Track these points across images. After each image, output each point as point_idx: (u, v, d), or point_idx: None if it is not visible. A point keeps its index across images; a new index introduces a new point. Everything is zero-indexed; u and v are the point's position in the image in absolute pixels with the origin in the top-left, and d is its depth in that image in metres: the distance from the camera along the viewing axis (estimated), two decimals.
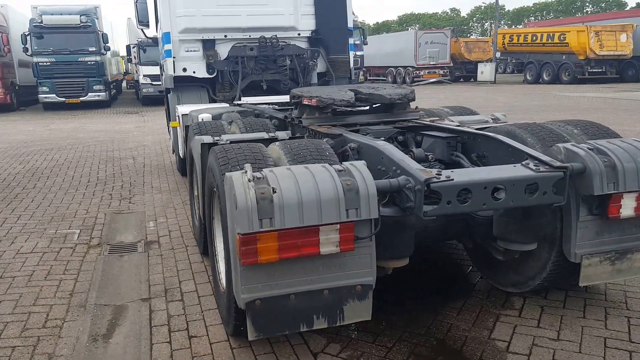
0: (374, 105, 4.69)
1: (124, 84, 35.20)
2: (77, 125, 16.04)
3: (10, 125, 16.30)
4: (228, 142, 3.82)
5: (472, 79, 35.24)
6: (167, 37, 7.20)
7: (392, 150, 3.22)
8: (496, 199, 2.87)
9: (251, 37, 7.35)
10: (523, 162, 3.07)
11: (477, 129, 3.94)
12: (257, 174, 2.68)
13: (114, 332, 3.43)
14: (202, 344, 3.28)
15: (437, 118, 4.52)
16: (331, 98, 4.27)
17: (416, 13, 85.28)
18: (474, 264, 4.30)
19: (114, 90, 27.53)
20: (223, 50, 7.38)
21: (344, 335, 3.35)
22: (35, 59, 20.15)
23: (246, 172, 2.68)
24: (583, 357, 3.07)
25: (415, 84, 25.95)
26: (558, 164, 2.99)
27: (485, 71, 33.39)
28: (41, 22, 19.91)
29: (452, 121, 4.44)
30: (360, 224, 2.72)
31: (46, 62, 20.25)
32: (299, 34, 7.58)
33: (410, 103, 4.73)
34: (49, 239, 5.19)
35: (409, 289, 4.04)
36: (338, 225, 2.63)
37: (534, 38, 30.74)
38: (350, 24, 7.88)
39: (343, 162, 2.91)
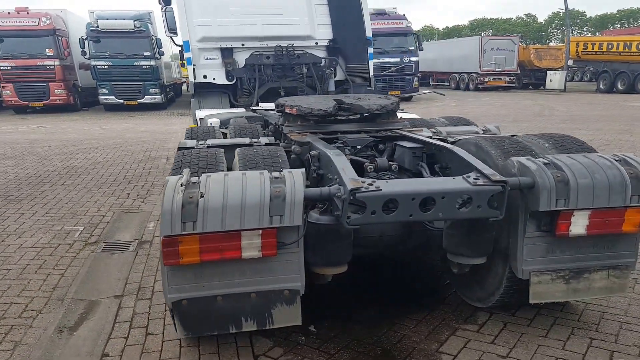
0: (364, 115, 4.72)
1: (184, 87, 36.60)
2: (130, 125, 16.81)
3: (69, 124, 17.28)
4: (206, 146, 3.97)
5: (541, 87, 34.21)
6: (186, 45, 7.50)
7: (337, 159, 3.25)
8: (426, 211, 2.86)
9: (268, 45, 7.53)
10: (465, 175, 3.02)
11: (450, 141, 3.91)
12: (194, 179, 2.79)
13: (80, 325, 3.64)
14: (156, 341, 3.43)
15: (417, 128, 4.49)
16: (309, 107, 4.35)
17: (489, 18, 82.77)
18: (448, 277, 4.24)
19: (171, 93, 28.57)
20: (241, 59, 7.60)
21: (291, 339, 3.40)
22: (93, 62, 21.19)
23: (182, 176, 2.81)
24: None
25: (410, 94, 26.47)
26: (498, 177, 2.93)
27: (555, 79, 32.19)
28: (97, 26, 20.88)
29: (437, 132, 4.41)
30: (286, 230, 2.78)
31: (104, 66, 21.26)
32: (316, 43, 7.70)
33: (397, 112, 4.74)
34: (52, 235, 5.49)
35: (379, 297, 4.04)
36: (260, 231, 2.70)
37: (610, 46, 29.28)
38: (369, 34, 7.91)
39: (284, 170, 2.98)
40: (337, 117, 4.58)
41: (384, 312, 3.79)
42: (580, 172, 3.00)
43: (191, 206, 2.62)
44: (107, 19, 21.67)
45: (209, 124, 5.77)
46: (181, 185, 2.71)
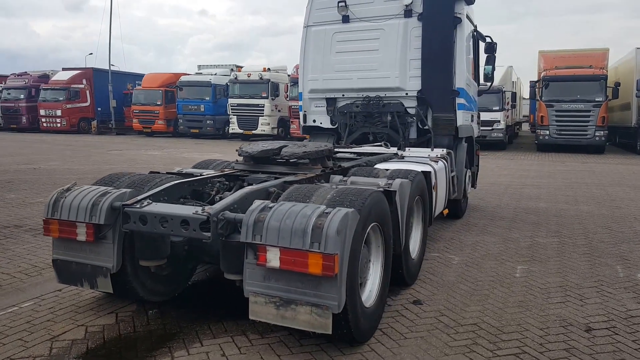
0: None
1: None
2: None
3: None
4: (165, 172, 5.67)
5: None
6: (300, 95, 9.27)
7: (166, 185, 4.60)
8: (163, 227, 3.98)
9: (364, 96, 8.65)
10: (204, 206, 4.00)
11: None
12: (70, 188, 4.56)
13: None
14: None
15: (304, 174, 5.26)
16: (241, 149, 5.61)
17: None
18: None
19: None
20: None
21: (150, 310, 4.79)
22: None
23: (68, 185, 4.60)
24: None
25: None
26: (209, 210, 3.83)
27: None
28: None
29: (343, 181, 5.15)
30: (103, 227, 4.29)
31: None
32: (406, 94, 8.43)
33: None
34: None
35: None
36: (84, 224, 4.30)
37: None
38: (459, 85, 8.21)
39: (122, 189, 4.49)
40: (275, 159, 5.64)
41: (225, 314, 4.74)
42: (276, 216, 3.65)
43: (58, 202, 4.41)
44: None
45: None
46: (62, 190, 4.52)
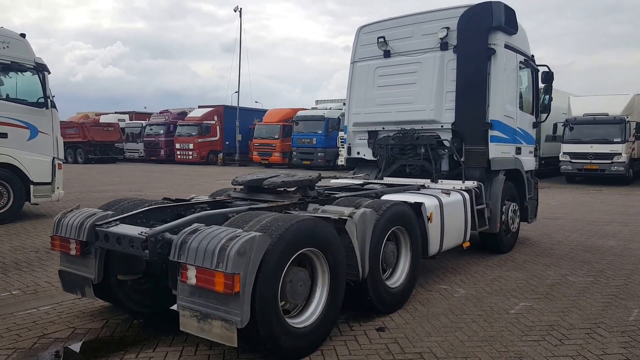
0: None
1: None
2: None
3: None
4: (174, 199, 6.38)
5: None
6: (345, 129, 9.63)
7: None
8: (119, 245, 4.59)
9: (402, 129, 8.80)
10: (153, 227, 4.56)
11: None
12: (74, 208, 5.41)
13: None
14: None
15: (282, 202, 5.59)
16: (235, 179, 6.12)
17: None
18: None
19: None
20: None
21: (136, 319, 5.42)
22: None
23: (72, 208, 5.46)
24: None
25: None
26: (148, 232, 4.36)
27: None
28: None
29: (315, 209, 5.47)
30: (88, 243, 5.04)
31: None
32: (442, 126, 8.44)
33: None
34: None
35: None
36: (74, 241, 5.09)
37: None
38: (493, 117, 8.06)
39: (107, 210, 5.23)
40: (264, 188, 6.07)
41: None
42: (197, 238, 4.09)
43: (61, 221, 5.27)
44: None
45: None
46: (66, 211, 5.39)
